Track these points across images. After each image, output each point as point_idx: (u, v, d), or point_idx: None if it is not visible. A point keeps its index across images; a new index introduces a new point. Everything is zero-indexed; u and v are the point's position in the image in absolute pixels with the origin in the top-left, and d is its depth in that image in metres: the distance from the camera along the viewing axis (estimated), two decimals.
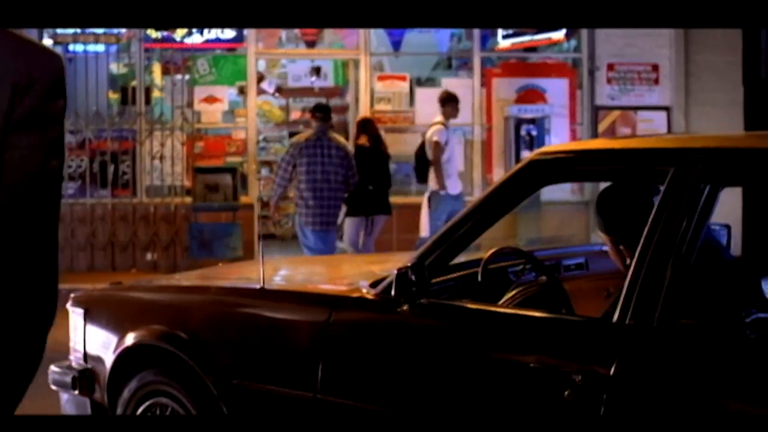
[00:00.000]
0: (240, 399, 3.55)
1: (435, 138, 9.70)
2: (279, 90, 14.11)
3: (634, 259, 2.86)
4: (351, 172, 8.73)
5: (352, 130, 11.12)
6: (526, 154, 10.68)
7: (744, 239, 8.09)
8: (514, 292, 3.51)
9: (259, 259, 3.80)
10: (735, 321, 2.95)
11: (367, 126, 9.70)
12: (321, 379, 3.30)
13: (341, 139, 9.12)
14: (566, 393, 2.75)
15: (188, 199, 11.06)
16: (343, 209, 9.24)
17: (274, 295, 3.69)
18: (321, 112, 8.77)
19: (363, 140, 9.54)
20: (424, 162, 9.87)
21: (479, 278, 3.47)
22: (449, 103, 9.94)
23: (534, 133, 11.03)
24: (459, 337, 3.14)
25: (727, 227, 3.86)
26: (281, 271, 4.48)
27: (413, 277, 3.14)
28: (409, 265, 3.17)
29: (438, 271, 3.32)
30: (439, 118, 9.89)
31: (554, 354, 2.88)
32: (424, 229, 9.78)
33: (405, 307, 3.18)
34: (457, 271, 3.62)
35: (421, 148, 9.96)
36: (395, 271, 3.18)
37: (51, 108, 1.59)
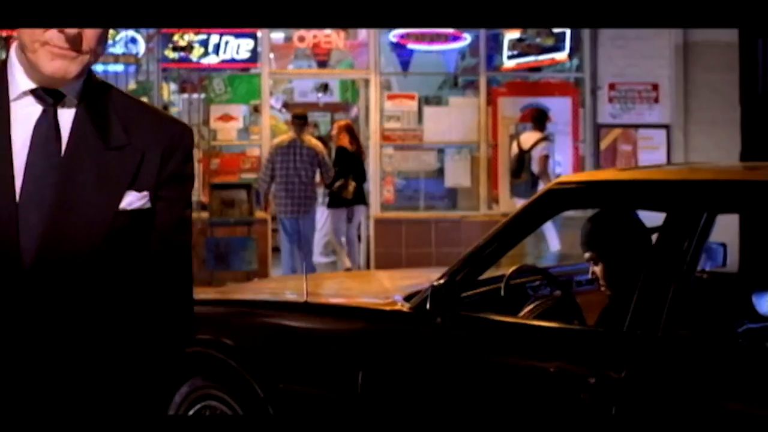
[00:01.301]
0: (285, 401, 3.92)
1: (545, 152, 10.41)
2: (286, 105, 14.40)
3: (642, 277, 3.26)
4: (324, 168, 10.29)
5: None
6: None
7: (741, 256, 8.39)
8: (532, 306, 3.88)
9: (303, 276, 4.19)
10: (729, 331, 3.37)
11: (348, 130, 10.98)
12: (361, 384, 3.66)
13: (314, 141, 10.52)
14: (583, 394, 3.15)
15: (205, 215, 11.33)
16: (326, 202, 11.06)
17: (318, 309, 4.04)
18: (298, 119, 10.42)
19: (344, 141, 10.87)
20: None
21: (502, 293, 3.86)
22: (547, 119, 10.79)
23: None
24: (487, 345, 3.52)
25: (723, 246, 4.27)
26: (319, 286, 4.83)
27: (445, 293, 3.55)
28: (442, 281, 3.57)
29: (467, 287, 3.72)
30: (539, 133, 10.61)
31: (571, 360, 3.26)
32: (554, 242, 10.39)
33: (438, 319, 3.57)
34: (481, 286, 4.01)
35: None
36: (430, 287, 3.58)
37: (186, 169, 1.99)
